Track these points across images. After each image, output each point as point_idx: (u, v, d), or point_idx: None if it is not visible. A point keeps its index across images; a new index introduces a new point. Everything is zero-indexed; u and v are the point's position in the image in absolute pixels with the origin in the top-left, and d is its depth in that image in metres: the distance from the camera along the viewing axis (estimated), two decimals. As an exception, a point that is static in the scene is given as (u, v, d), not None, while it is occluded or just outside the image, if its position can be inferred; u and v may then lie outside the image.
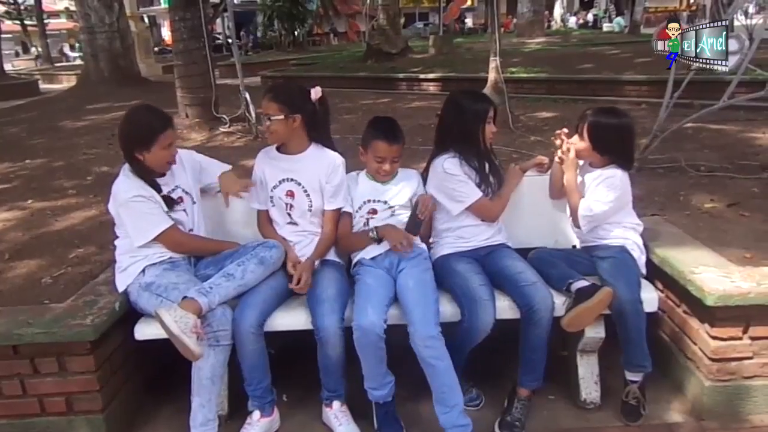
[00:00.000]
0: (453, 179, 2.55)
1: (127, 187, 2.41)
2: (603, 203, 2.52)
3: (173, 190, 2.53)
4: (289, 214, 2.61)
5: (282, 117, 2.46)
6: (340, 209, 2.59)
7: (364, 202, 2.61)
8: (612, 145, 2.54)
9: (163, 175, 2.52)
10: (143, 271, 2.43)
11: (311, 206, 2.57)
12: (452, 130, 2.59)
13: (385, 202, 2.59)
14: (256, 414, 2.40)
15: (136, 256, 2.45)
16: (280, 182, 2.58)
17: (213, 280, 2.33)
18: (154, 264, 2.44)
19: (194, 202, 2.62)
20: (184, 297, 2.23)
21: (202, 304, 2.20)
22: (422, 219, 2.49)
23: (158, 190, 2.45)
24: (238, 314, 2.31)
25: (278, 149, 2.62)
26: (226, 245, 2.60)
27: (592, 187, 2.58)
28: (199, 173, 2.71)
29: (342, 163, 2.58)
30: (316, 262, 2.52)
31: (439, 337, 2.22)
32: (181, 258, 2.53)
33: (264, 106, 2.51)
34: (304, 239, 2.62)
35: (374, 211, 2.59)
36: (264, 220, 2.68)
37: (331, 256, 2.62)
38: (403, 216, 2.56)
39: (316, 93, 2.55)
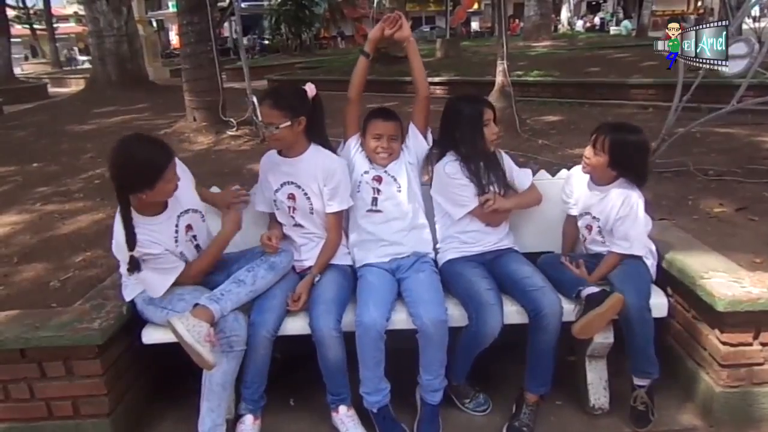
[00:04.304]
0: (454, 183, 2.54)
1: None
2: (642, 227, 2.47)
3: (182, 214, 2.34)
4: (293, 217, 2.60)
5: (288, 123, 2.42)
6: (341, 213, 2.59)
7: (371, 168, 2.62)
8: (632, 162, 2.46)
9: (165, 208, 2.30)
10: None
11: (312, 208, 2.56)
12: (452, 134, 2.58)
13: (386, 173, 2.61)
14: (249, 418, 2.38)
15: None
16: (281, 185, 2.57)
17: (223, 286, 2.31)
18: None
19: (203, 220, 2.48)
20: (196, 305, 2.21)
21: (214, 312, 2.19)
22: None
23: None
24: (256, 319, 2.31)
25: (279, 152, 2.60)
26: (219, 243, 2.44)
27: (621, 212, 2.46)
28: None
29: (340, 164, 2.56)
30: (316, 278, 2.51)
31: (447, 322, 2.28)
32: None
33: (266, 114, 2.44)
34: (309, 242, 2.62)
35: (379, 179, 2.60)
36: (273, 223, 2.69)
37: (337, 260, 2.61)
38: (402, 185, 2.58)
39: (311, 90, 2.51)
